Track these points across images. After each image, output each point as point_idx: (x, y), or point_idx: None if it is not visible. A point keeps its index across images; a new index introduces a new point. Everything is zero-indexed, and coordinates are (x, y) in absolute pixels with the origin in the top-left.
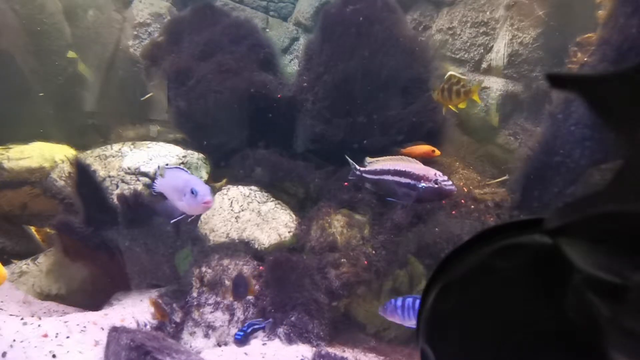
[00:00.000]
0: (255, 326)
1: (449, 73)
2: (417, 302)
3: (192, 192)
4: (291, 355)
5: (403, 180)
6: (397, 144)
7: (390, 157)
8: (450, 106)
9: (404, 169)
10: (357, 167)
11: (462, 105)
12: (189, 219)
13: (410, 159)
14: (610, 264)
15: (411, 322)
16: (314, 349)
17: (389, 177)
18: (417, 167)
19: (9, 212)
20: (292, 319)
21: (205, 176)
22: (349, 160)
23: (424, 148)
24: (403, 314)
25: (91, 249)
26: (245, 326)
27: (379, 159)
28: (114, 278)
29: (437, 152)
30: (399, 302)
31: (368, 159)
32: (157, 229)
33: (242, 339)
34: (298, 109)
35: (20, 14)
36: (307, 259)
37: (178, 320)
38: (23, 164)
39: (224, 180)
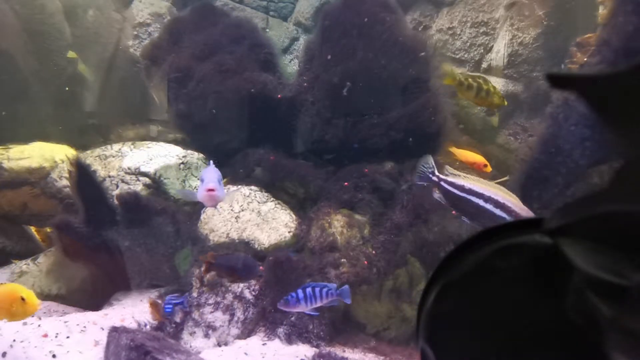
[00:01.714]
0: (176, 301)
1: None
2: (317, 289)
3: (201, 181)
4: (291, 355)
5: (498, 212)
6: (398, 143)
7: (482, 179)
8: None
9: (503, 202)
10: (436, 172)
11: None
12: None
13: (504, 189)
14: (610, 264)
15: (312, 308)
16: (314, 349)
17: (480, 202)
18: (517, 205)
19: (9, 212)
20: (292, 318)
21: None
22: (426, 162)
23: (475, 157)
24: (306, 303)
25: (91, 249)
26: (167, 299)
27: (467, 175)
28: (114, 278)
29: (489, 169)
30: (300, 293)
31: (449, 168)
32: (157, 229)
33: (172, 312)
34: (298, 109)
35: (20, 14)
36: (306, 258)
37: (178, 320)
38: (23, 164)
39: (225, 180)
